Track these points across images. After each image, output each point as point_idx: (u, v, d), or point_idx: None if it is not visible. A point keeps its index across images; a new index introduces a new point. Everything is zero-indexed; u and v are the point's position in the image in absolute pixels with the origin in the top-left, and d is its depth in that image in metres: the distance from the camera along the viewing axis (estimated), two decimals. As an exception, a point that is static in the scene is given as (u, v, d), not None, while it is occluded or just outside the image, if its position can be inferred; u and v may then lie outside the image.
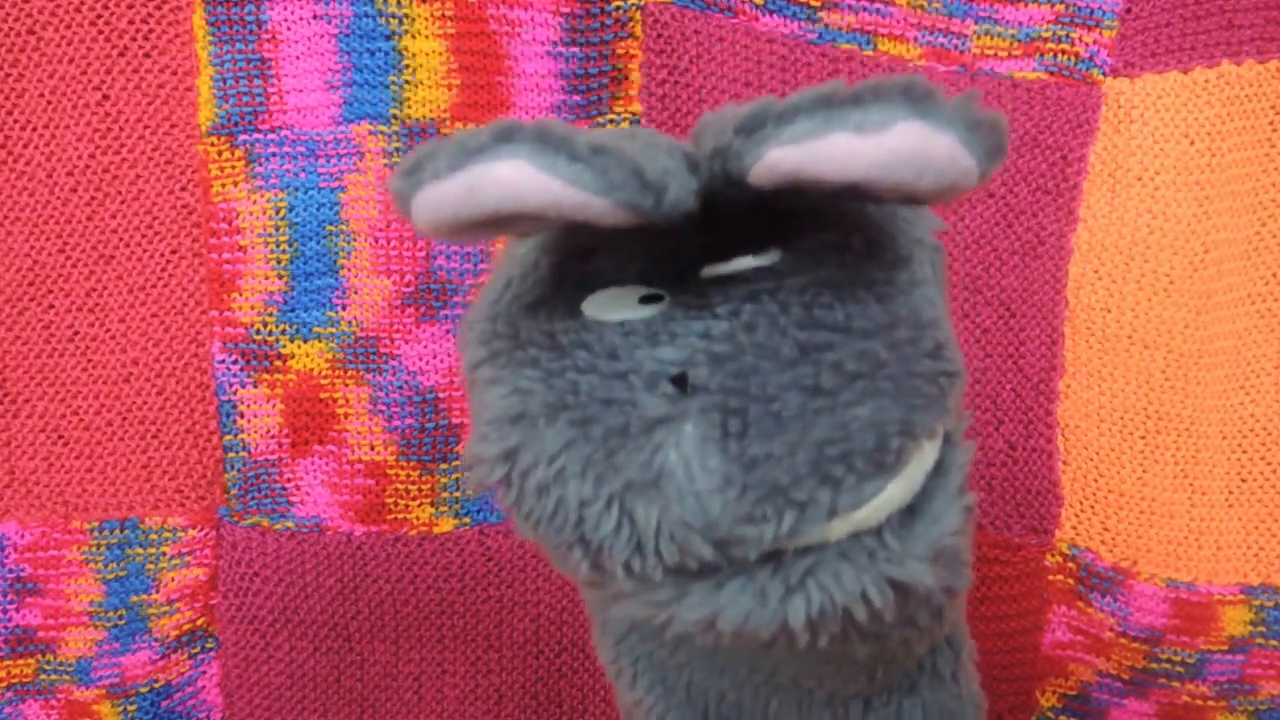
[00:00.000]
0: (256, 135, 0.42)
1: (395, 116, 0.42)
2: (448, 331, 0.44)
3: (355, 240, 0.43)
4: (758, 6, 0.43)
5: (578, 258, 0.25)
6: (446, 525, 0.45)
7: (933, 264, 0.25)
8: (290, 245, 0.43)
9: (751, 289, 0.23)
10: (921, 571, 0.22)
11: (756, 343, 0.22)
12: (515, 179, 0.20)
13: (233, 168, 0.42)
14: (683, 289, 0.24)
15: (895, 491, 0.22)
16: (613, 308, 0.24)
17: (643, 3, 0.42)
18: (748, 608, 0.22)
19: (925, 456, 0.23)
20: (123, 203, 0.43)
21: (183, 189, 0.43)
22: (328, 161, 0.42)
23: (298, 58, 0.42)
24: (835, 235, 0.24)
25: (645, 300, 0.24)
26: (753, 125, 0.21)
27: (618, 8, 0.42)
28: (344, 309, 0.43)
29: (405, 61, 0.42)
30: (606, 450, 0.22)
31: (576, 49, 0.43)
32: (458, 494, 0.45)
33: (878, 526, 0.22)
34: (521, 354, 0.24)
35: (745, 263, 0.23)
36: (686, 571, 0.22)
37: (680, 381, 0.22)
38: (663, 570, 0.22)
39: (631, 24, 0.43)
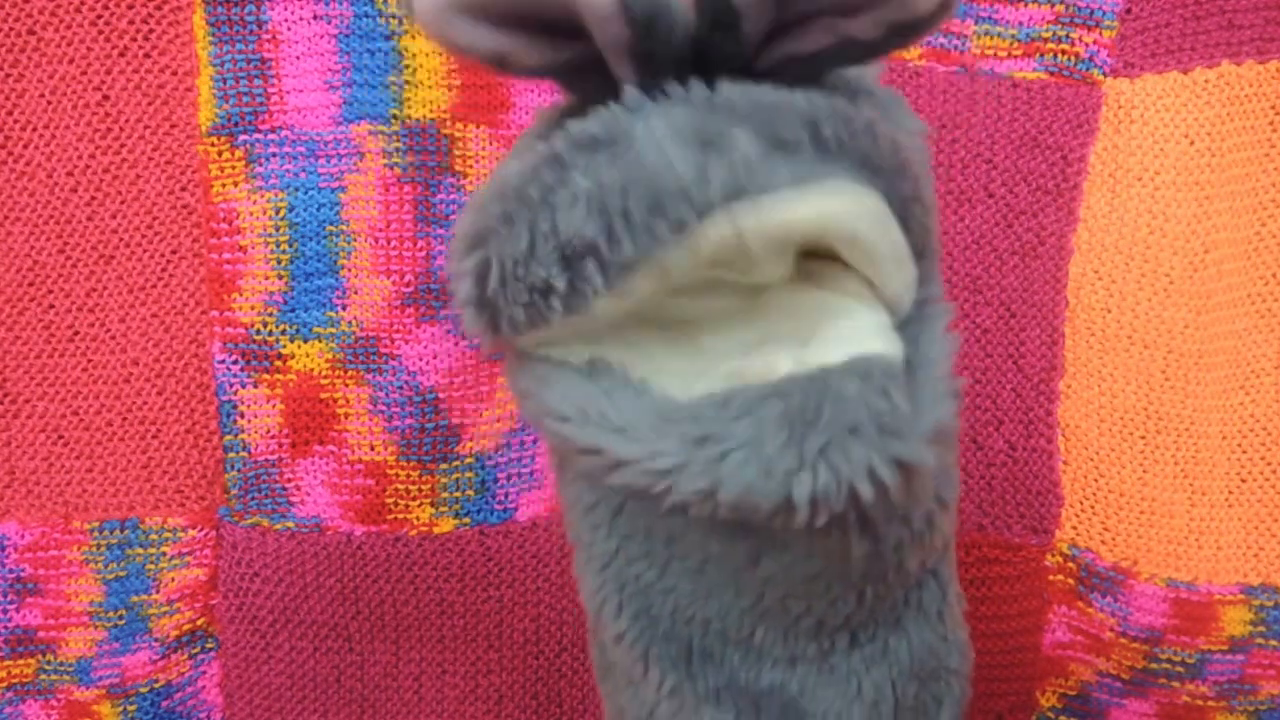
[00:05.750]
0: (256, 135, 0.42)
1: (395, 117, 0.42)
2: (448, 331, 0.44)
3: (355, 240, 0.43)
4: (758, 6, 0.43)
5: None
6: (446, 525, 0.45)
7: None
8: (290, 245, 0.43)
9: None
10: (925, 452, 0.22)
11: None
12: None
13: (233, 168, 0.42)
14: None
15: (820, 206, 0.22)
16: None
17: (643, 3, 0.42)
18: (750, 480, 0.22)
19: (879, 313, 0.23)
20: (123, 203, 0.43)
21: (183, 189, 0.43)
22: (328, 162, 0.42)
23: (298, 58, 0.42)
24: None
25: None
26: None
27: (618, 8, 0.42)
28: (344, 309, 0.43)
29: (405, 61, 0.42)
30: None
31: (576, 49, 0.43)
32: (458, 494, 0.45)
33: (881, 385, 0.22)
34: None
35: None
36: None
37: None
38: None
39: (631, 24, 0.43)
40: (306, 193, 0.43)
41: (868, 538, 0.25)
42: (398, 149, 0.42)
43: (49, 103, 0.42)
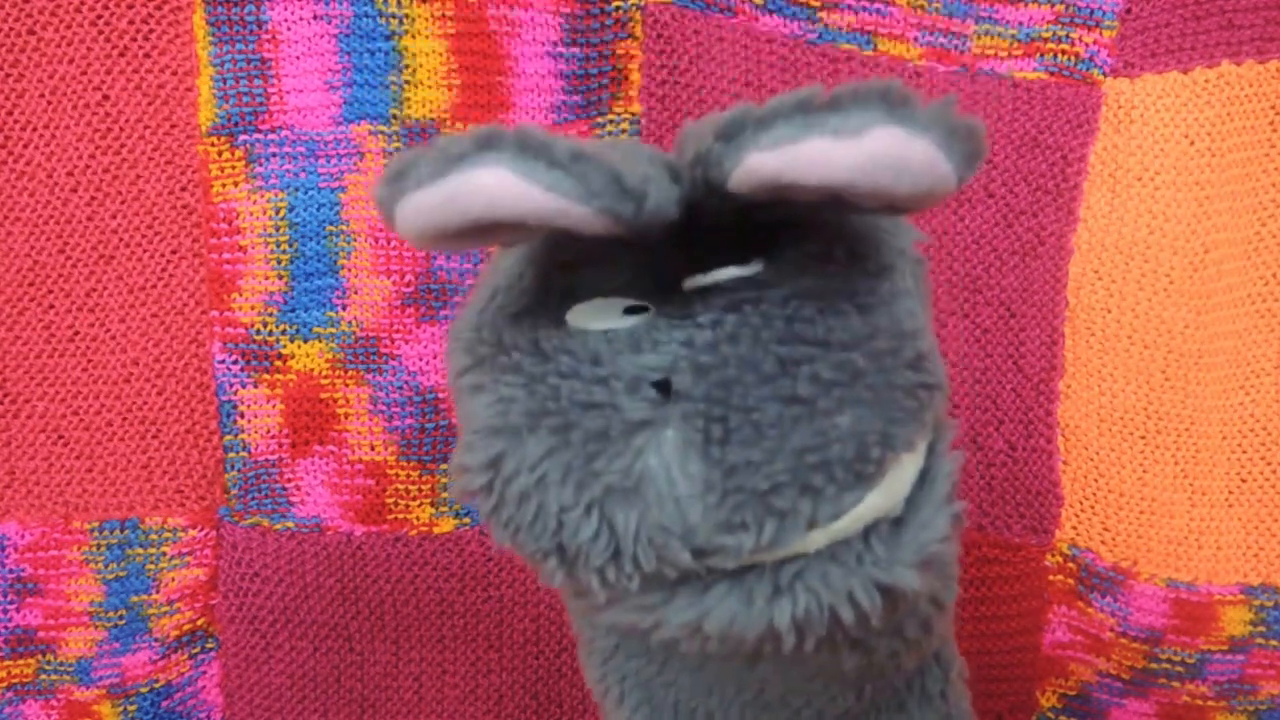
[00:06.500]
0: (256, 135, 0.42)
1: (395, 116, 0.42)
2: (448, 332, 0.44)
3: (355, 240, 0.43)
4: (758, 6, 0.43)
5: (562, 269, 0.25)
6: (446, 525, 0.45)
7: (915, 276, 0.25)
8: (290, 245, 0.43)
9: (734, 299, 0.23)
10: (909, 577, 0.22)
11: (738, 355, 0.22)
12: (495, 186, 0.20)
13: (233, 168, 0.42)
14: (667, 300, 0.24)
15: (874, 503, 0.22)
16: (597, 318, 0.24)
17: (643, 3, 0.42)
18: (734, 610, 0.22)
19: (904, 470, 0.23)
20: (123, 203, 0.43)
21: (183, 189, 0.43)
22: (328, 161, 0.42)
23: (298, 58, 0.42)
24: (817, 246, 0.24)
25: (630, 311, 0.24)
26: (732, 131, 0.21)
27: (618, 8, 0.42)
28: (344, 309, 0.43)
29: (405, 61, 0.42)
30: (586, 455, 0.22)
31: (577, 49, 0.43)
32: (458, 494, 0.45)
33: (864, 535, 0.22)
34: (505, 359, 0.24)
35: (728, 273, 0.24)
36: (663, 581, 0.22)
37: (662, 388, 0.22)
38: (639, 580, 0.22)
39: (631, 24, 0.43)
40: (306, 193, 0.43)
41: (859, 652, 0.25)
42: (398, 149, 0.42)
43: (49, 103, 0.42)
